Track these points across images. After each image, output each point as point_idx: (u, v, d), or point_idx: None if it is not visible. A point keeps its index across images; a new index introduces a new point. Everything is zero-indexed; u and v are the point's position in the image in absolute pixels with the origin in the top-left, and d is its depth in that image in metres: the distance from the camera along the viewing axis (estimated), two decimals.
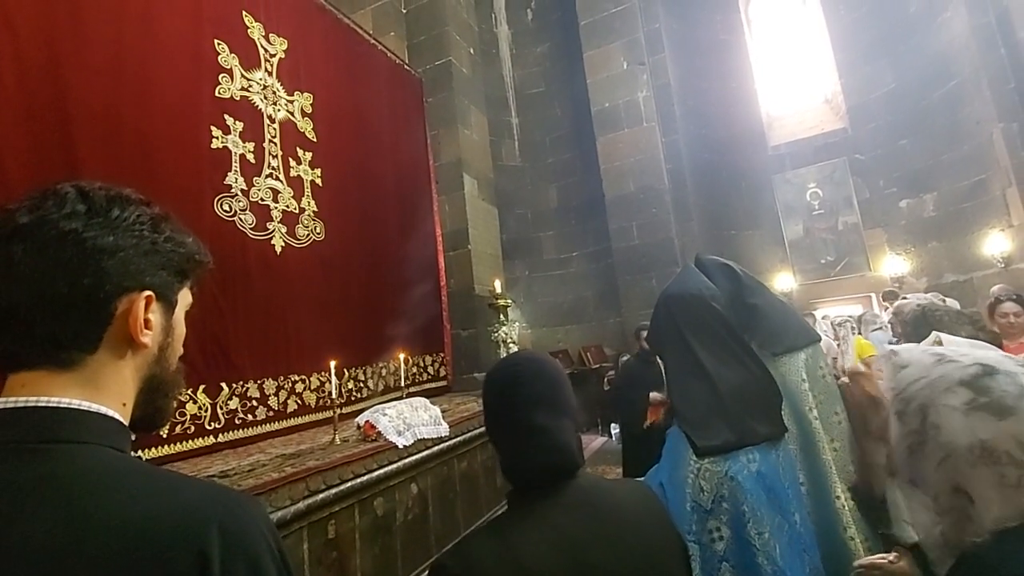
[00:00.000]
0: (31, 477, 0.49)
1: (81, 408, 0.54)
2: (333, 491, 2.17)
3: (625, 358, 4.98)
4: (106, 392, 0.57)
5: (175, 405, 0.69)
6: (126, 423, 0.59)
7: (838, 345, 4.90)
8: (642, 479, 1.45)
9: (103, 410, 0.56)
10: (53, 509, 0.47)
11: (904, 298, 2.82)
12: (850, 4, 8.06)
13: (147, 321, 0.59)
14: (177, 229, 0.64)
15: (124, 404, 0.59)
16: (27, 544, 0.45)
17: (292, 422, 3.16)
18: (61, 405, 0.53)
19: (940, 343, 1.14)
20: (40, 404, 0.53)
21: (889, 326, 4.73)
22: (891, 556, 1.10)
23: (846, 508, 1.56)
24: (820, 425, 1.64)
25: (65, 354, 0.55)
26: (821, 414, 1.67)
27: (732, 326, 1.60)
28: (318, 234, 3.64)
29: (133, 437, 0.61)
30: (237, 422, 2.83)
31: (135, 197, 0.61)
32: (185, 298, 0.67)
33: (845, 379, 4.54)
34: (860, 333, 5.06)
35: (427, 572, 0.87)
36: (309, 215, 3.59)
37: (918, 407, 0.77)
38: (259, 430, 2.94)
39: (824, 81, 8.66)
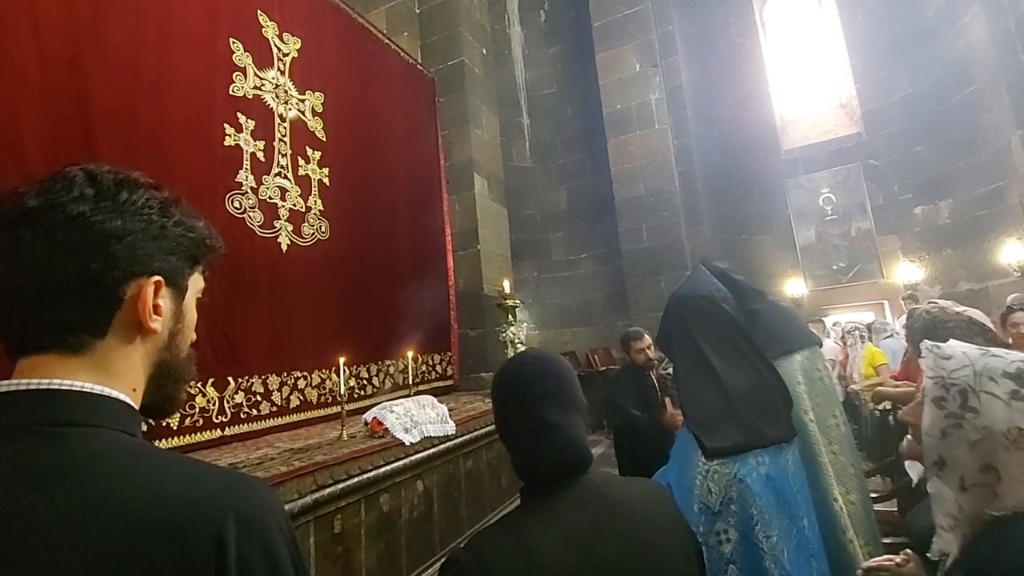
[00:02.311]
0: (47, 460, 0.49)
1: (93, 392, 0.54)
2: (340, 486, 2.18)
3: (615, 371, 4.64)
4: (116, 377, 0.57)
5: (186, 394, 0.69)
6: (136, 408, 0.59)
7: (846, 352, 4.86)
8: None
9: (114, 394, 0.56)
10: (70, 492, 0.48)
11: (932, 301, 2.79)
12: (867, 8, 7.98)
13: (156, 307, 0.59)
14: (187, 213, 0.63)
15: (134, 389, 0.59)
16: (45, 526, 0.46)
17: (294, 418, 3.20)
18: (73, 388, 0.53)
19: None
20: (52, 387, 0.52)
21: (901, 332, 4.70)
22: (898, 559, 1.09)
23: (844, 511, 1.55)
24: (817, 428, 1.63)
25: (74, 338, 0.55)
26: (819, 417, 1.66)
27: (743, 328, 1.59)
28: (323, 233, 3.66)
29: (144, 428, 0.61)
30: (242, 416, 2.87)
31: (144, 181, 0.60)
32: (196, 284, 0.66)
33: (855, 386, 4.47)
34: (871, 341, 5.01)
35: (440, 567, 0.87)
36: (315, 214, 3.62)
37: (959, 392, 0.82)
38: (262, 425, 2.98)
39: (839, 85, 8.57)
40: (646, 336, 3.22)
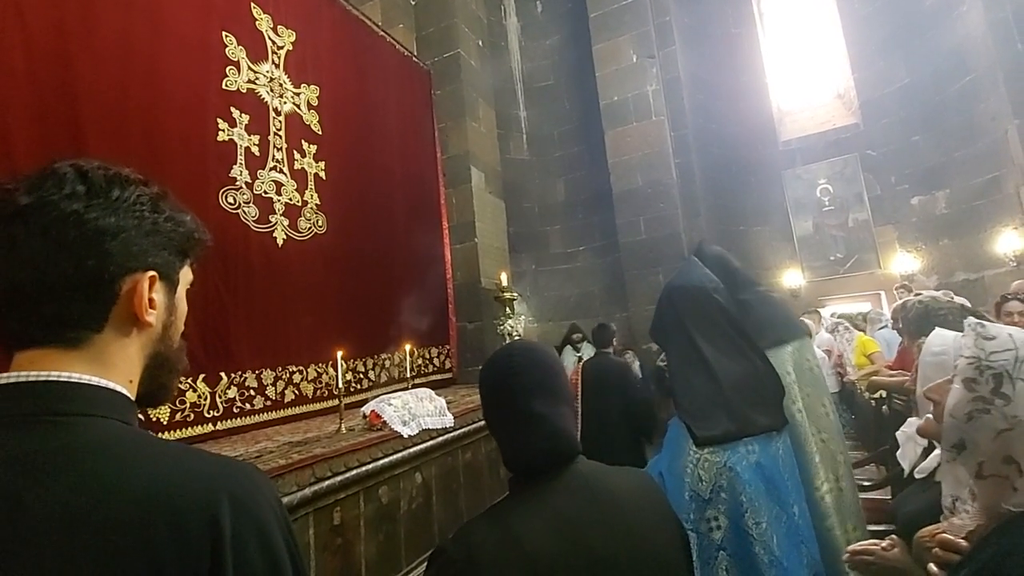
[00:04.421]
0: (46, 448, 0.50)
1: (91, 383, 0.56)
2: (339, 479, 2.19)
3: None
4: (113, 369, 0.59)
5: (178, 384, 0.71)
6: (133, 399, 0.61)
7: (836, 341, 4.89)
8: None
9: (111, 385, 0.58)
10: (69, 477, 0.49)
11: (917, 293, 2.82)
12: None
13: (151, 301, 0.61)
14: (175, 208, 0.65)
15: (131, 381, 0.61)
16: (45, 511, 0.47)
17: (289, 411, 3.20)
18: (72, 380, 0.55)
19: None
20: (51, 378, 0.54)
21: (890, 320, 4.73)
22: (884, 543, 1.11)
23: (826, 499, 1.58)
24: (804, 418, 1.66)
25: (72, 333, 0.56)
26: (809, 407, 1.68)
27: (734, 318, 1.60)
28: (320, 227, 3.66)
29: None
30: (235, 411, 2.86)
31: (133, 176, 0.62)
32: (186, 276, 0.68)
33: (851, 376, 4.49)
34: (865, 331, 5.04)
35: (428, 557, 0.88)
36: (312, 208, 3.61)
37: (993, 375, 0.77)
38: (257, 419, 2.98)
39: (836, 76, 8.54)
40: None
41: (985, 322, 0.85)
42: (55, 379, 0.54)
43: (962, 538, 0.86)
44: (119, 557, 0.47)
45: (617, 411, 3.43)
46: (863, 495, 2.18)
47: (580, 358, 4.87)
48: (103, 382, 0.57)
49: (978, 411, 0.77)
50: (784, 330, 1.76)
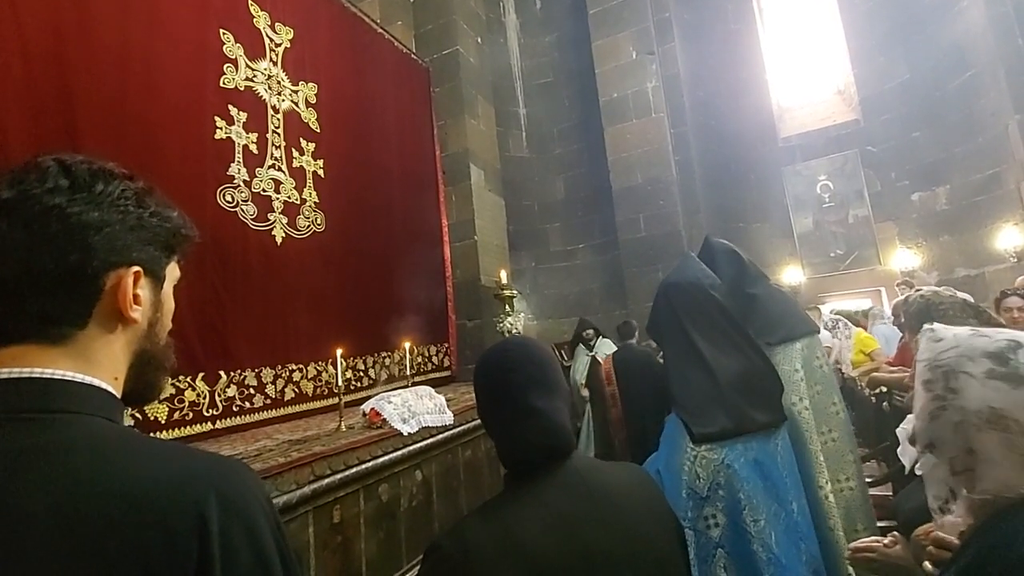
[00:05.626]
0: (29, 446, 0.49)
1: (75, 380, 0.55)
2: (338, 477, 2.20)
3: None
4: (98, 366, 0.58)
5: (167, 381, 0.70)
6: (119, 396, 0.60)
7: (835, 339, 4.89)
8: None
9: (96, 382, 0.57)
10: (53, 476, 0.48)
11: (918, 288, 2.81)
12: None
13: (136, 296, 0.60)
14: (162, 203, 0.64)
15: (116, 378, 0.60)
16: (28, 510, 0.46)
17: (289, 410, 3.19)
18: (55, 376, 0.54)
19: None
20: (34, 375, 0.53)
21: (890, 318, 4.73)
22: (886, 540, 1.11)
23: (829, 499, 1.57)
24: (811, 415, 1.65)
25: (55, 329, 0.55)
26: (817, 404, 1.68)
27: (731, 314, 1.60)
28: (319, 225, 3.65)
29: (131, 421, 0.62)
30: (235, 409, 2.86)
31: (118, 171, 0.61)
32: (173, 273, 0.67)
33: (852, 372, 4.49)
34: (865, 328, 5.03)
35: (424, 553, 0.88)
36: (310, 206, 3.60)
37: (942, 374, 0.82)
38: (256, 417, 2.97)
39: (837, 72, 8.52)
40: None
41: (936, 326, 0.89)
42: (38, 376, 0.53)
43: (954, 536, 0.87)
44: (105, 556, 0.46)
45: (651, 393, 3.50)
46: None
47: (593, 356, 4.89)
48: (87, 379, 0.56)
49: (938, 409, 0.82)
50: (794, 327, 1.76)
